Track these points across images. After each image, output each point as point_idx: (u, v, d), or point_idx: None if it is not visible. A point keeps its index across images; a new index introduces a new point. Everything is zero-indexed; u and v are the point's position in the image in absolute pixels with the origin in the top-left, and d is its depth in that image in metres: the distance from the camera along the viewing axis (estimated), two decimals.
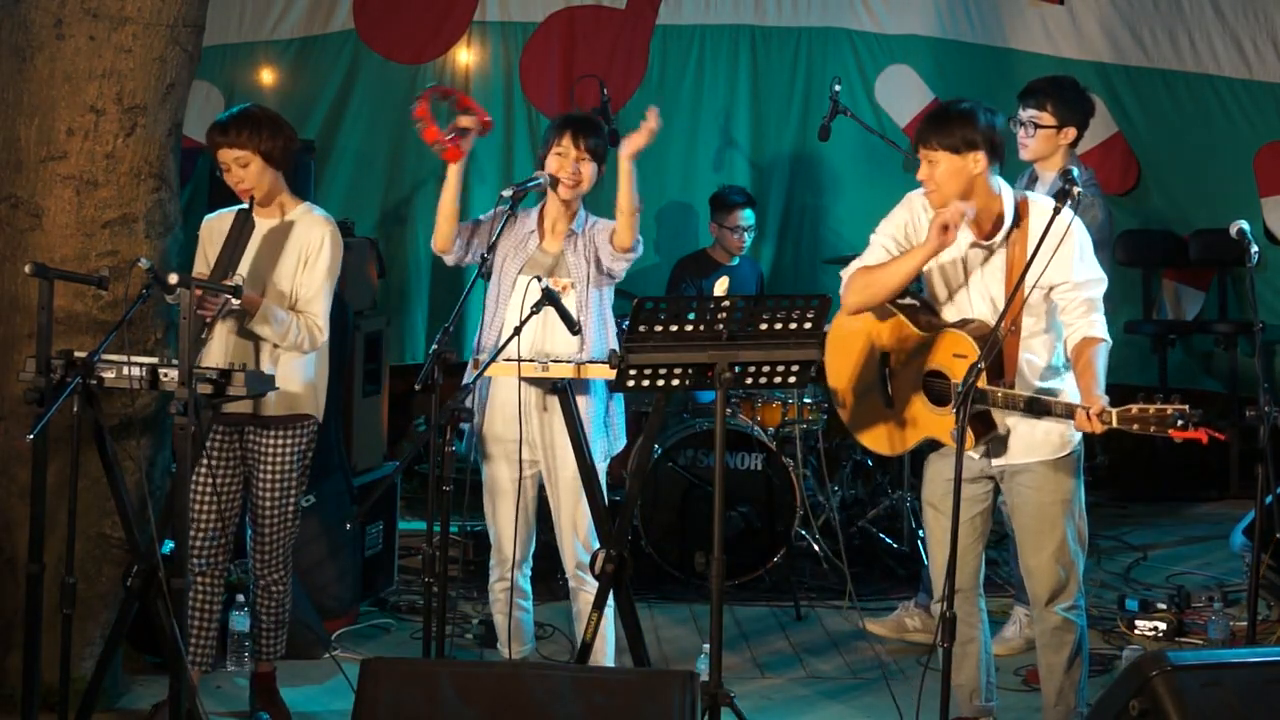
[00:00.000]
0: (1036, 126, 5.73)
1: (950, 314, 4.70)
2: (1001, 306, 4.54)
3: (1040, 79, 6.00)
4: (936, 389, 4.63)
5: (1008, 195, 4.63)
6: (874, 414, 4.82)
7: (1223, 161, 8.22)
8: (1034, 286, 4.53)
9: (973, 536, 4.77)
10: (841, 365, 4.89)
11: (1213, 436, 4.17)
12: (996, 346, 4.44)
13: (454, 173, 5.04)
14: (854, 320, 4.83)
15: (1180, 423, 4.13)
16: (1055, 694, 4.77)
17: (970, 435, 4.50)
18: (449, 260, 5.13)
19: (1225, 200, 8.03)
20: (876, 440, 4.86)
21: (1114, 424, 4.23)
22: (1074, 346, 4.55)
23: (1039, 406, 4.45)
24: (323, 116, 7.86)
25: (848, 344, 4.86)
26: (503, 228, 5.00)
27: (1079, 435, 4.66)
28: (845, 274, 4.81)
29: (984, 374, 4.36)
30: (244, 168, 4.89)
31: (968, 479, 4.66)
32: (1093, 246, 4.64)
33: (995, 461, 4.69)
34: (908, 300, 4.79)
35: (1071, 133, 5.76)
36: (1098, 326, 4.55)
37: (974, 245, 4.63)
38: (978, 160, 4.55)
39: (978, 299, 4.65)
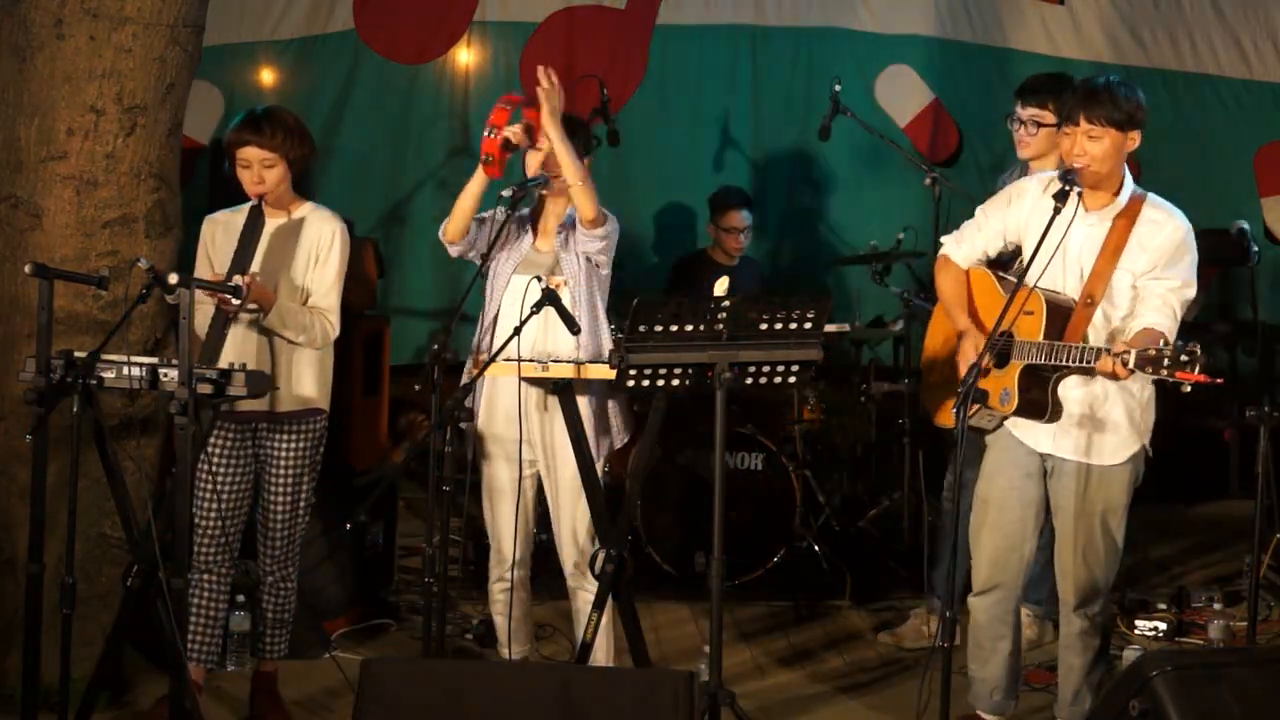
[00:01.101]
0: (1039, 125, 5.72)
1: (1042, 278, 4.63)
2: (1088, 279, 4.53)
3: (1039, 76, 5.98)
4: (1001, 347, 4.60)
5: (1128, 178, 4.63)
6: (945, 384, 4.87)
7: (1223, 161, 8.22)
8: (1122, 270, 4.53)
9: (1022, 535, 4.75)
10: (935, 336, 5.01)
11: (1214, 383, 4.20)
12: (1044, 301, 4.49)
13: (483, 180, 5.03)
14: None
15: (1184, 359, 4.14)
16: (1072, 694, 4.79)
17: (1014, 399, 4.54)
18: (453, 251, 5.11)
19: (1225, 200, 8.03)
20: (943, 413, 4.94)
21: (1132, 365, 4.23)
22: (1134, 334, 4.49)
23: (1062, 353, 4.43)
24: (323, 116, 7.86)
25: (942, 318, 4.97)
26: (503, 228, 5.00)
27: (1137, 447, 4.65)
28: (947, 240, 4.91)
29: (1036, 332, 4.44)
30: (268, 169, 4.89)
31: (1022, 474, 4.71)
32: (1193, 260, 4.60)
33: (1042, 449, 4.68)
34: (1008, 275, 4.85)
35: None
36: (1163, 324, 4.46)
37: (1080, 217, 4.56)
38: (1135, 139, 4.54)
39: (1069, 267, 4.60)
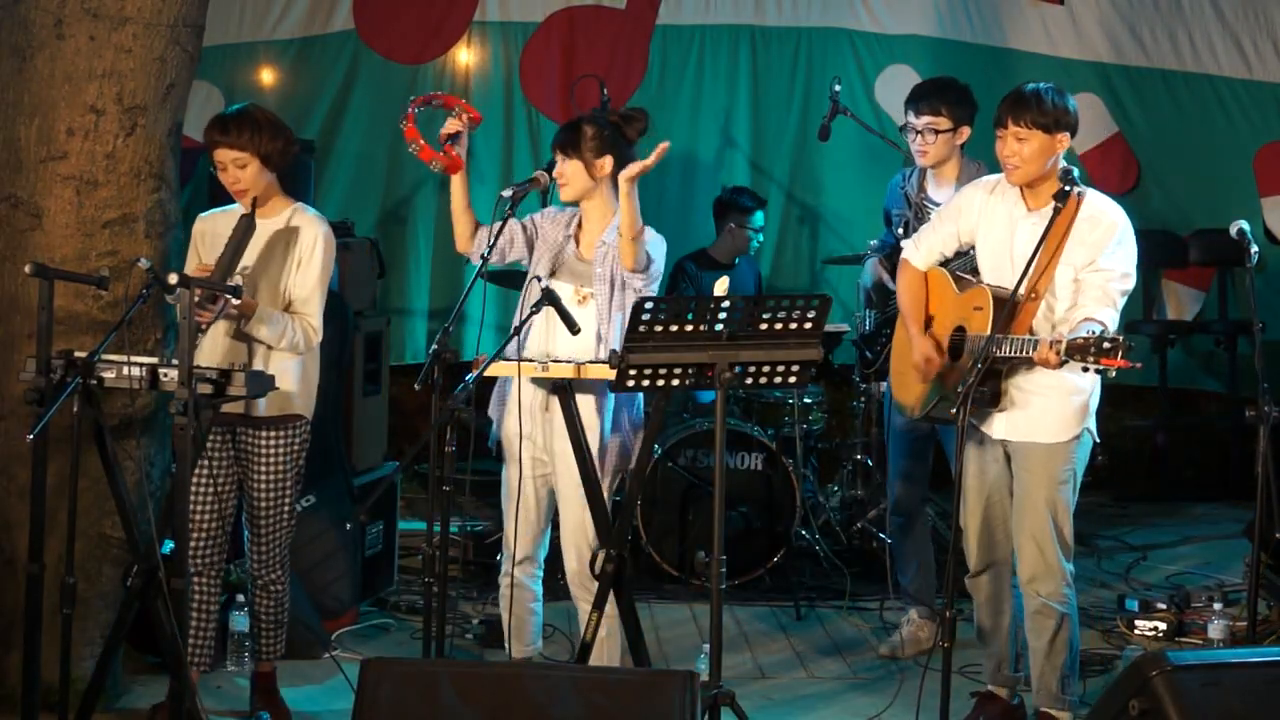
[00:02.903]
0: (935, 132, 5.71)
1: (989, 277, 4.86)
2: (1031, 274, 4.66)
3: (926, 83, 6.00)
4: (955, 343, 4.85)
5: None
6: (910, 375, 5.07)
7: (1223, 161, 8.22)
8: (1064, 264, 4.68)
9: (1002, 516, 4.94)
10: (900, 331, 5.21)
11: (1134, 367, 4.33)
12: (1007, 304, 4.65)
13: (457, 180, 5.04)
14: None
15: (1106, 345, 4.30)
16: (1038, 678, 4.90)
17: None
18: (475, 259, 5.05)
19: (1225, 200, 8.04)
20: (907, 399, 5.15)
21: (1062, 353, 4.40)
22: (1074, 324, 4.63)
23: (1005, 345, 4.59)
24: (323, 116, 7.86)
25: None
26: (501, 229, 4.98)
27: (1078, 429, 4.79)
28: (907, 244, 5.15)
29: (985, 327, 4.63)
30: (241, 169, 4.87)
31: (990, 459, 4.91)
32: (1131, 251, 4.73)
33: (997, 435, 4.86)
34: (961, 269, 5.04)
35: (965, 132, 5.77)
36: (1103, 314, 4.60)
37: (1023, 216, 4.79)
38: (1063, 141, 4.75)
39: (1016, 264, 4.73)
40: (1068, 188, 4.62)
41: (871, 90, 8.17)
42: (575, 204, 5.09)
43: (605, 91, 7.38)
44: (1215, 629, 5.92)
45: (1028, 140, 4.71)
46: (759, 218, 7.50)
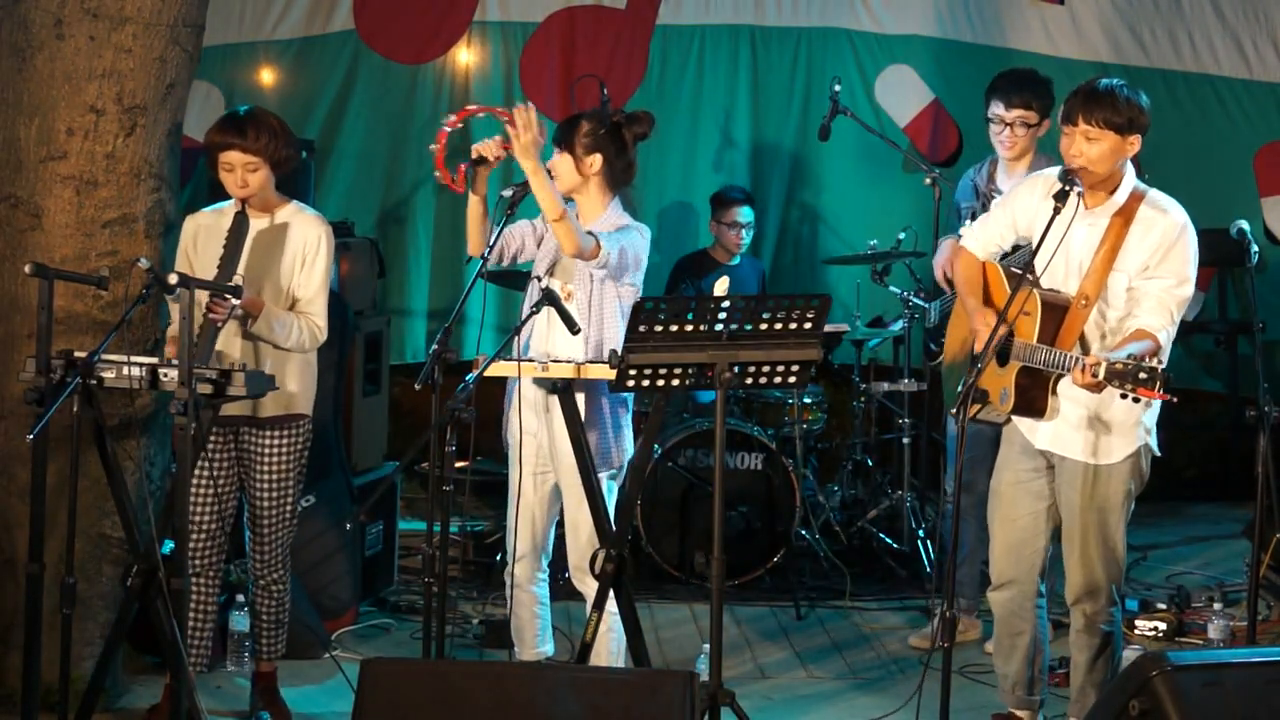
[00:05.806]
0: (1027, 125, 5.71)
1: (1045, 279, 4.66)
2: (1083, 279, 4.54)
3: (1012, 75, 5.96)
4: (1003, 347, 4.62)
5: (1128, 175, 4.61)
6: (960, 374, 4.88)
7: (1223, 161, 8.21)
8: (1118, 270, 4.52)
9: (1034, 530, 4.77)
10: (954, 336, 5.03)
11: (1170, 400, 4.22)
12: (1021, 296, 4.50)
13: (474, 198, 4.97)
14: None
15: (1143, 376, 4.16)
16: (1077, 690, 4.83)
17: (1011, 398, 4.58)
18: (489, 264, 5.04)
19: (1225, 200, 8.03)
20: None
21: (1102, 377, 4.23)
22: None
23: (1046, 357, 4.46)
24: (323, 116, 7.86)
25: (960, 317, 5.00)
26: (502, 228, 4.97)
27: (1135, 446, 4.64)
28: (965, 231, 4.94)
29: (1032, 333, 4.47)
30: (252, 172, 4.86)
31: (1030, 468, 4.74)
32: (1189, 255, 4.57)
33: (1041, 445, 4.70)
34: (1016, 265, 4.84)
35: (1047, 125, 5.76)
36: (1156, 325, 4.46)
37: (1081, 214, 4.56)
38: (1135, 143, 4.53)
39: (1070, 266, 4.61)
40: (1068, 188, 4.47)
41: (871, 90, 8.16)
42: (570, 200, 5.09)
43: (605, 91, 7.38)
44: (1215, 629, 5.93)
45: (1098, 140, 4.47)
46: (746, 212, 7.41)
